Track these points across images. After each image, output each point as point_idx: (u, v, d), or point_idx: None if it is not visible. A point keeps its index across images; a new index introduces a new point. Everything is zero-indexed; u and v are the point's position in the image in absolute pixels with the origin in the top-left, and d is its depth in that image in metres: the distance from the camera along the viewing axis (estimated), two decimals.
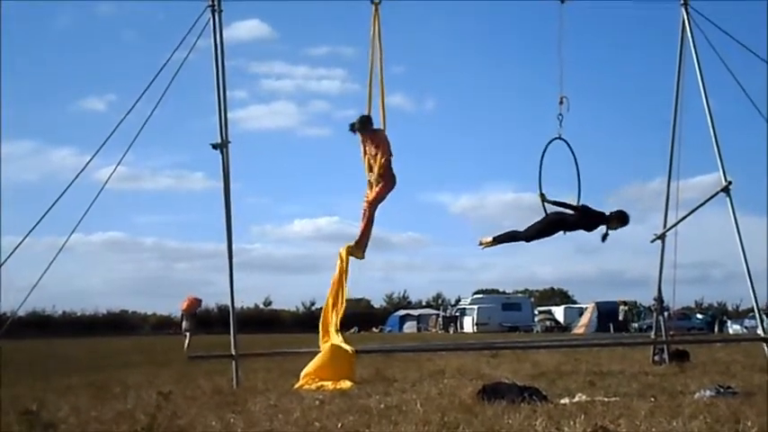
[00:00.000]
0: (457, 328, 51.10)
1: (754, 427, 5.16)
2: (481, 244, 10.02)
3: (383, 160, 9.97)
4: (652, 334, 12.92)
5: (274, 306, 70.84)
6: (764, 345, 10.65)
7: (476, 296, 57.18)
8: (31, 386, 9.89)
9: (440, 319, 54.74)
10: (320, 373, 9.09)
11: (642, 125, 67.38)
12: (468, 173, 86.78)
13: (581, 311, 51.91)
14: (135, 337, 46.49)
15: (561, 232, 9.62)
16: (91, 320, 60.10)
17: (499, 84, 77.77)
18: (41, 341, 32.17)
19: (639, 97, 74.07)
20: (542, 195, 9.55)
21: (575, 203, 9.63)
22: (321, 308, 10.33)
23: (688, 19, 11.06)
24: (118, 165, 10.02)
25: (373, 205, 10.10)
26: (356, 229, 10.24)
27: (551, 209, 9.58)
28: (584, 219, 9.45)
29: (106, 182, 9.94)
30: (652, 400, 6.77)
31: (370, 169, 10.08)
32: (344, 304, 9.80)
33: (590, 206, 9.54)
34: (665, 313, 12.66)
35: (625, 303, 46.94)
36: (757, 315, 10.77)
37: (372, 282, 74.91)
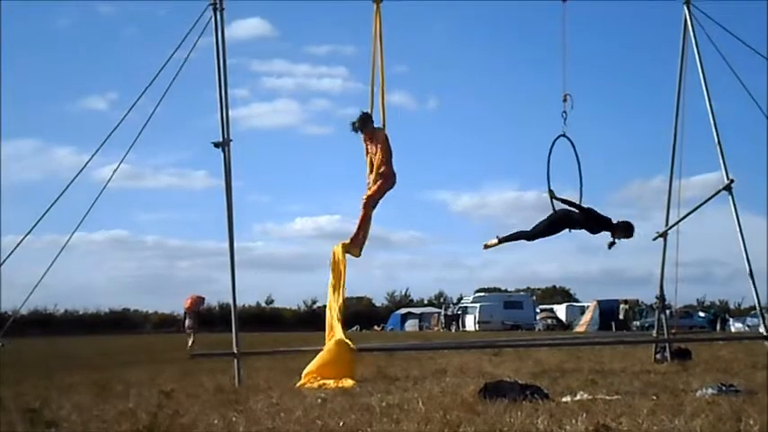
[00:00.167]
0: (459, 327, 51.12)
1: (756, 425, 5.16)
2: (486, 247, 10.04)
3: (381, 158, 9.98)
4: (654, 332, 12.91)
5: (276, 304, 71.02)
6: (766, 343, 10.64)
7: (478, 294, 57.21)
8: (34, 384, 9.90)
9: (442, 317, 54.74)
10: (322, 371, 9.09)
11: (644, 123, 67.48)
12: (470, 171, 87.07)
13: (583, 310, 51.93)
14: (137, 336, 46.60)
15: (567, 230, 9.66)
16: (93, 319, 60.27)
17: (501, 83, 77.96)
18: (43, 340, 32.25)
19: (641, 95, 74.19)
20: (551, 192, 9.60)
21: (583, 205, 9.67)
22: (322, 306, 10.34)
23: (690, 17, 11.05)
24: (120, 163, 10.03)
25: (369, 203, 10.08)
26: None
27: (558, 206, 9.62)
28: (590, 221, 9.50)
29: (108, 180, 9.96)
30: (654, 398, 6.76)
31: (371, 168, 10.09)
32: (343, 295, 9.77)
33: (597, 210, 9.60)
34: (667, 311, 12.65)
35: (626, 302, 46.91)
36: (759, 313, 10.77)
37: (374, 280, 75.16)
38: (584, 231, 9.66)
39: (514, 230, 10.06)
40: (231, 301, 9.70)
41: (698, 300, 62.14)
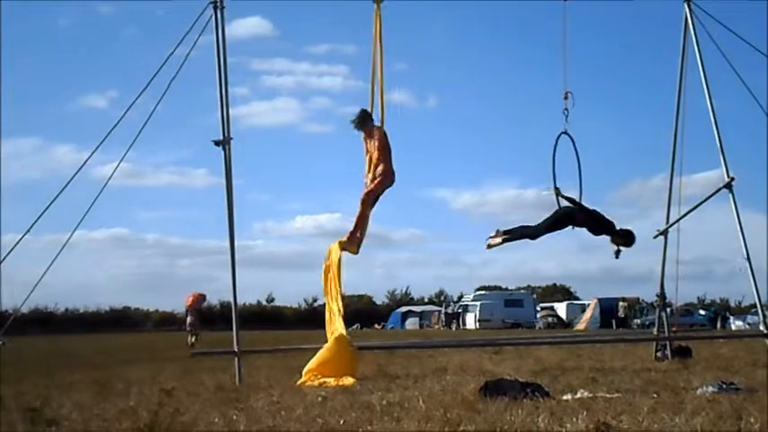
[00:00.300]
0: (459, 325, 51.16)
1: (757, 423, 5.16)
2: (489, 246, 10.03)
3: (378, 156, 9.98)
4: (654, 330, 12.90)
5: (277, 303, 71.06)
6: (767, 341, 10.63)
7: (478, 293, 57.31)
8: (34, 383, 9.90)
9: (442, 315, 54.80)
10: (322, 369, 9.09)
11: (644, 122, 67.47)
12: (470, 169, 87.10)
13: (583, 308, 51.97)
14: (137, 334, 46.65)
15: (569, 227, 9.69)
16: (93, 317, 60.35)
17: (501, 81, 77.95)
18: (44, 338, 32.26)
19: (641, 94, 74.18)
20: (557, 190, 9.66)
21: (589, 207, 9.69)
22: (323, 304, 10.34)
23: (691, 16, 11.03)
24: (120, 161, 10.01)
25: (367, 200, 10.07)
26: None
27: (563, 203, 9.65)
28: (593, 223, 9.55)
29: (109, 178, 9.95)
30: (654, 396, 6.76)
31: (370, 166, 10.10)
32: (339, 290, 9.75)
33: (601, 213, 9.65)
34: (668, 309, 12.65)
35: (624, 300, 46.93)
36: (760, 311, 10.76)
37: (375, 278, 75.44)
38: (585, 229, 9.69)
39: (516, 225, 10.08)
40: (232, 300, 9.70)
41: (698, 298, 62.33)
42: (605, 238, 9.65)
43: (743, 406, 5.95)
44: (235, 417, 6.01)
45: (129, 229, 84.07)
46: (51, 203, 9.34)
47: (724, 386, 7.14)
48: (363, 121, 10.16)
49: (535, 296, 61.64)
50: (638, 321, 44.71)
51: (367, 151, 10.19)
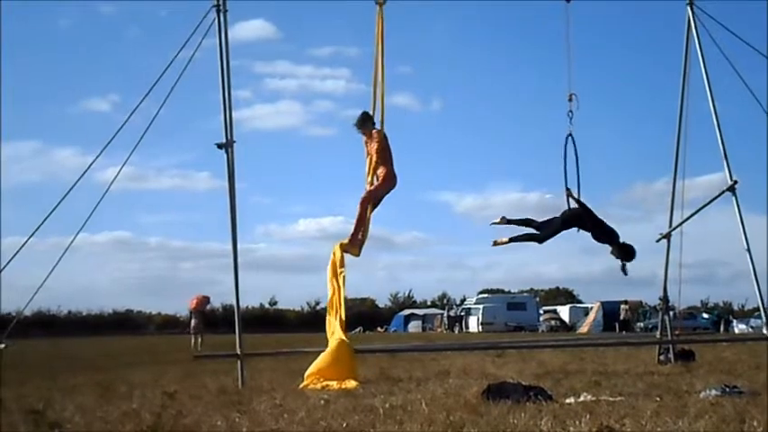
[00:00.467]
0: (462, 328, 51.12)
1: (760, 427, 5.15)
2: (495, 244, 10.07)
3: (377, 159, 9.99)
4: (657, 333, 12.88)
5: (279, 306, 71.05)
6: None
7: (481, 296, 57.22)
8: (37, 386, 9.91)
9: (445, 318, 54.75)
10: (324, 372, 9.08)
11: (647, 126, 67.45)
12: (473, 172, 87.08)
13: (586, 311, 51.91)
14: (140, 337, 46.63)
15: (575, 229, 9.73)
16: (96, 320, 60.36)
17: (505, 84, 77.95)
18: (47, 341, 32.27)
19: (645, 97, 74.13)
20: (568, 190, 9.73)
21: (597, 216, 9.73)
22: (325, 307, 10.34)
23: (694, 18, 11.03)
24: (123, 165, 10.01)
25: (366, 202, 10.07)
26: None
27: (572, 204, 9.70)
28: (596, 229, 9.60)
29: (112, 182, 9.96)
30: (657, 399, 6.75)
31: (369, 168, 10.12)
32: (342, 292, 9.75)
33: (608, 223, 9.73)
34: (671, 313, 12.64)
35: (626, 303, 46.89)
36: (763, 314, 10.73)
37: (377, 281, 75.46)
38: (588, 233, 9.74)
39: (523, 217, 10.13)
40: (234, 303, 9.71)
41: (701, 301, 62.19)
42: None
43: (746, 409, 5.94)
44: (237, 420, 6.01)
45: (131, 232, 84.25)
46: (56, 207, 9.36)
47: (727, 389, 7.12)
48: (363, 122, 10.17)
49: (538, 299, 61.62)
50: (641, 325, 44.66)
51: (367, 153, 10.20)
